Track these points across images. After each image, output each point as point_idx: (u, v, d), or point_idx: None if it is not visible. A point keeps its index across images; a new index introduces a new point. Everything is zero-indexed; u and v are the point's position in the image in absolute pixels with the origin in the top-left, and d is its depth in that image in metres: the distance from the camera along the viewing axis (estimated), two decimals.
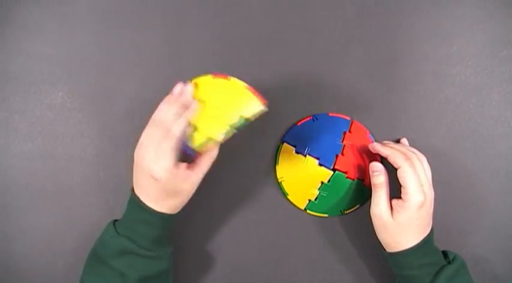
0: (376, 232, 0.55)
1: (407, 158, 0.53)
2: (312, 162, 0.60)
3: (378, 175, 0.55)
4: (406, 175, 0.52)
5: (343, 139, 0.60)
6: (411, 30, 0.61)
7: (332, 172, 0.60)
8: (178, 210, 0.52)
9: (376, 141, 0.60)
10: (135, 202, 0.51)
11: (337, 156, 0.60)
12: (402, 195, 0.53)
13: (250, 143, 0.61)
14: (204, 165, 0.51)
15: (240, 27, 0.62)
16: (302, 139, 0.60)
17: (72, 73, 0.63)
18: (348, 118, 0.61)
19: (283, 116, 0.61)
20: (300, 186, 0.60)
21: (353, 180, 0.60)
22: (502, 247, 0.60)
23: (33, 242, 0.62)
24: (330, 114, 0.61)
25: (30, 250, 0.62)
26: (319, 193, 0.60)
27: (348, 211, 0.60)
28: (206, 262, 0.62)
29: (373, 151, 0.58)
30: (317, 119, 0.61)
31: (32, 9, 0.63)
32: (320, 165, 0.60)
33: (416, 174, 0.52)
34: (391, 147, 0.56)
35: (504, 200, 0.60)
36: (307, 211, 0.61)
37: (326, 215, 0.61)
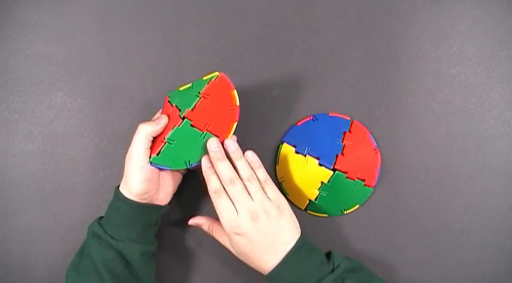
0: None
1: (222, 188, 0.52)
2: (312, 162, 0.60)
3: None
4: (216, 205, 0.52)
5: (343, 139, 0.60)
6: (411, 30, 0.61)
7: (332, 172, 0.60)
8: (146, 198, 0.53)
9: (376, 141, 0.60)
10: (115, 193, 0.54)
11: (337, 156, 0.60)
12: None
13: (250, 143, 0.61)
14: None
15: (240, 27, 0.62)
16: (302, 139, 0.60)
17: (72, 73, 0.63)
18: (348, 118, 0.61)
19: (283, 116, 0.61)
20: (300, 186, 0.60)
21: (353, 180, 0.60)
22: (502, 247, 0.60)
23: (33, 242, 0.62)
24: (330, 114, 0.61)
25: (30, 250, 0.62)
26: (319, 193, 0.60)
27: (348, 211, 0.60)
28: (206, 263, 0.62)
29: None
30: (317, 119, 0.61)
31: (32, 9, 0.63)
32: (320, 165, 0.60)
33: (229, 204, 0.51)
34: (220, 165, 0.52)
35: (504, 200, 0.60)
36: (307, 211, 0.61)
37: (326, 215, 0.61)
